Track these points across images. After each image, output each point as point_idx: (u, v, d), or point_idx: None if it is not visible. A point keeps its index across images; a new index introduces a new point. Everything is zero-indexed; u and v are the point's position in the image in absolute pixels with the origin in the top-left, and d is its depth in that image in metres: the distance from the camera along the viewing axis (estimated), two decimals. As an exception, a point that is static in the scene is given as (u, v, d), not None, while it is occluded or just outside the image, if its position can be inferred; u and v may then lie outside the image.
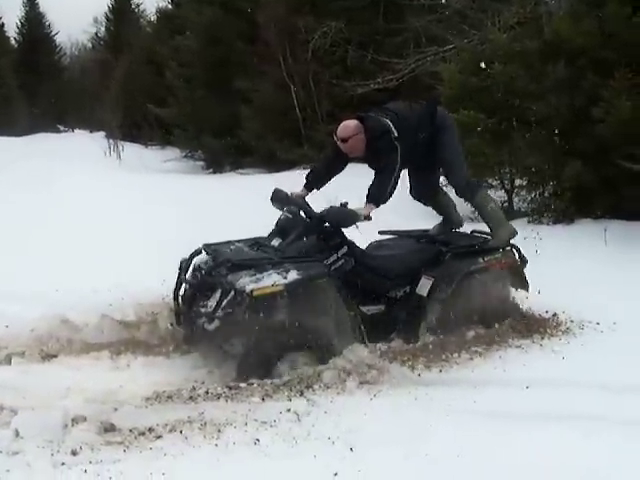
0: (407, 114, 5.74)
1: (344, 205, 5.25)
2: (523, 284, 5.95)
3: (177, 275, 5.26)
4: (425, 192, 6.18)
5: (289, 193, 5.65)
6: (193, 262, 5.25)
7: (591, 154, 9.01)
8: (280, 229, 5.36)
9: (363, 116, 5.66)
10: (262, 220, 5.51)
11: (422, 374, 4.82)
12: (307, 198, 5.72)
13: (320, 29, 15.98)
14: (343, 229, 5.29)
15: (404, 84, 13.78)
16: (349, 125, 5.58)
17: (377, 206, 5.37)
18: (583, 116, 8.97)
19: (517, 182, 10.84)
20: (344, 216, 5.21)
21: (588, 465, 3.56)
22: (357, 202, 5.36)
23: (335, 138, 5.63)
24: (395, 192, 5.46)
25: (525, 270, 5.98)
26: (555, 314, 5.92)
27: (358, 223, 5.24)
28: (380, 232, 5.93)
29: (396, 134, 5.48)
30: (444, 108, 6.32)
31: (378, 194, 5.39)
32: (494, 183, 10.81)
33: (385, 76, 13.64)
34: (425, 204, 6.35)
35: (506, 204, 10.74)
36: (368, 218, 5.30)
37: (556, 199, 9.89)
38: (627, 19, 8.60)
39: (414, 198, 6.24)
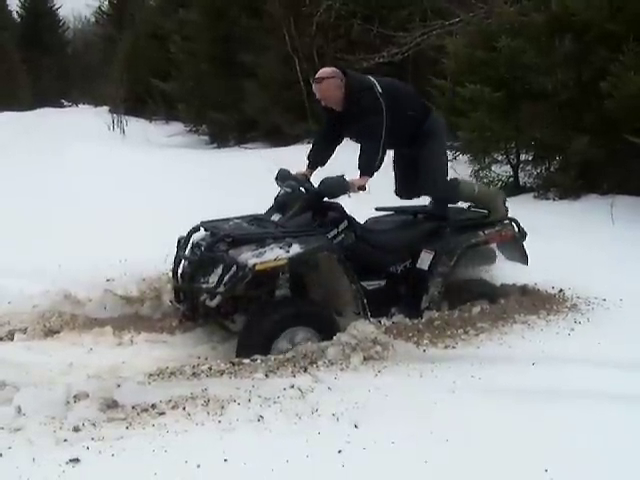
0: (394, 83, 5.66)
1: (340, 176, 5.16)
2: (522, 257, 5.90)
3: (175, 252, 5.21)
4: (412, 188, 5.84)
5: (294, 173, 5.50)
6: (191, 239, 5.20)
7: (598, 129, 8.97)
8: (279, 204, 5.27)
9: (347, 71, 5.50)
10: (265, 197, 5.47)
11: (427, 350, 4.78)
12: (314, 175, 5.57)
13: (325, 2, 15.82)
14: (336, 200, 5.20)
15: (409, 58, 13.67)
16: (327, 69, 5.52)
17: (370, 176, 5.22)
18: (591, 90, 8.92)
19: (523, 157, 10.77)
20: (336, 186, 5.09)
21: (594, 442, 3.54)
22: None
23: (312, 84, 5.58)
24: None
25: (524, 243, 5.94)
26: (561, 290, 5.87)
27: (352, 194, 5.14)
28: (377, 209, 5.86)
29: (381, 90, 5.31)
30: (439, 114, 6.19)
31: (369, 163, 5.22)
32: (500, 158, 10.75)
33: (390, 50, 13.50)
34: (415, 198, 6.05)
35: (512, 179, 10.69)
36: (362, 188, 5.19)
37: (562, 174, 9.83)
38: (636, -8, 8.52)
39: (401, 197, 5.99)
